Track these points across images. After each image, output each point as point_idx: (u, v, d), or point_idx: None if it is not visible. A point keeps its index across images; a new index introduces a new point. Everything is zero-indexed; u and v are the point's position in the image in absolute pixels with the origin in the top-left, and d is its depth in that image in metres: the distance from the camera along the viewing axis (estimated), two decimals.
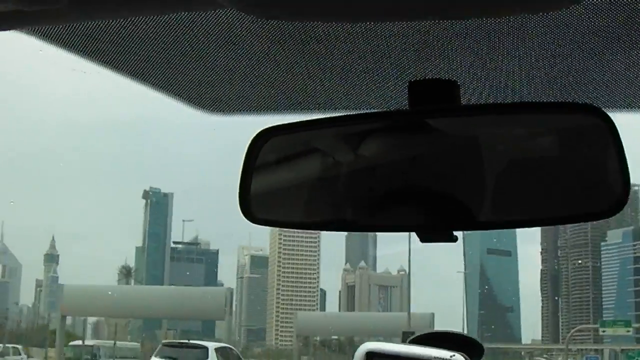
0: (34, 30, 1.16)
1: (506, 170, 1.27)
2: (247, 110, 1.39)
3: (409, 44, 1.21)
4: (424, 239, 1.26)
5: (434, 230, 1.27)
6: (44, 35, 1.20)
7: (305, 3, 0.80)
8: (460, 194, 1.27)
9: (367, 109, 1.43)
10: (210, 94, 1.32)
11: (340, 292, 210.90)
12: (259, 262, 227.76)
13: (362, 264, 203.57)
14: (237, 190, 1.25)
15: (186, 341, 23.28)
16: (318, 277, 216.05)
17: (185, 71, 1.30)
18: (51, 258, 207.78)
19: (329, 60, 1.29)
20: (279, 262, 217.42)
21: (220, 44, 1.24)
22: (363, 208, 1.25)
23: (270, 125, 1.25)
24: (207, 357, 20.26)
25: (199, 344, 22.22)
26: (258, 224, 1.29)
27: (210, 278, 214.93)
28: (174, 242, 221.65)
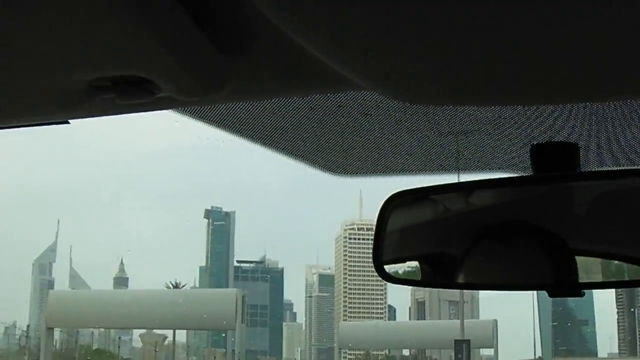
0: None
1: (621, 232, 1.37)
2: (373, 173, 1.51)
3: (531, 108, 1.31)
4: (553, 294, 1.36)
5: (563, 287, 1.37)
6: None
7: (448, 90, 0.91)
8: (581, 253, 1.37)
9: (490, 169, 1.53)
10: (338, 160, 1.45)
11: (410, 308, 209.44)
12: (326, 281, 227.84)
13: None
14: (372, 251, 1.38)
15: None
16: (385, 294, 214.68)
17: (316, 139, 1.43)
18: (121, 281, 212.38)
19: (454, 124, 1.41)
20: (344, 279, 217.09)
21: (352, 116, 1.37)
22: (493, 268, 1.36)
23: (400, 189, 1.38)
24: None
25: None
26: (393, 283, 1.41)
27: (276, 296, 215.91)
28: (238, 261, 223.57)
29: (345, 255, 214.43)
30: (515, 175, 1.50)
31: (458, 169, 1.58)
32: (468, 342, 46.40)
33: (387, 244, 1.37)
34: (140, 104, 0.89)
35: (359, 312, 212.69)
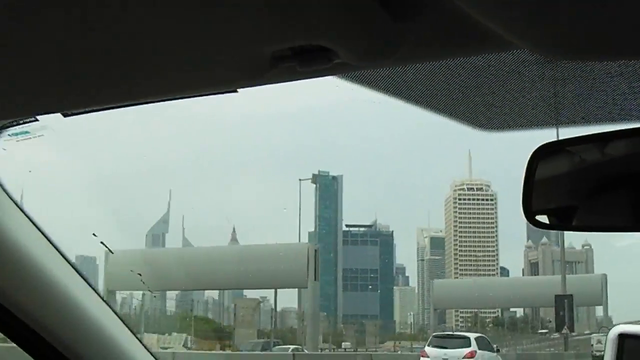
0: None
1: None
2: (520, 127, 1.56)
3: None
4: None
5: None
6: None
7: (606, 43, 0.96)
8: None
9: (626, 120, 1.56)
10: (485, 114, 1.52)
11: (522, 270, 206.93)
12: (438, 243, 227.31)
13: (545, 240, 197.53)
14: (521, 198, 1.45)
15: (451, 333, 30.71)
16: (497, 255, 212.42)
17: (467, 96, 1.50)
18: None
19: (590, 75, 1.44)
20: (455, 242, 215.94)
21: (499, 74, 1.43)
22: (632, 213, 1.42)
23: (547, 141, 1.45)
24: (470, 345, 25.36)
25: (462, 335, 28.46)
26: (542, 228, 1.48)
27: (386, 260, 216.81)
28: (347, 225, 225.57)
29: (456, 216, 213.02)
30: None
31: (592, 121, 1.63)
32: (570, 297, 43.48)
33: (536, 192, 1.45)
34: (319, 70, 0.99)
35: (470, 275, 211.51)
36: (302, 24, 0.80)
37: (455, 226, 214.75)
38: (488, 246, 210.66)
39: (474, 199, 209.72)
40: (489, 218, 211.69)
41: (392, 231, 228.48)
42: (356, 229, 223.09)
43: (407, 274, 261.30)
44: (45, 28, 0.78)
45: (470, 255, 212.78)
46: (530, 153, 1.39)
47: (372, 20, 0.80)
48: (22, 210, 1.04)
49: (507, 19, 0.78)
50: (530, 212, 1.46)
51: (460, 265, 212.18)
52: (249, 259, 43.98)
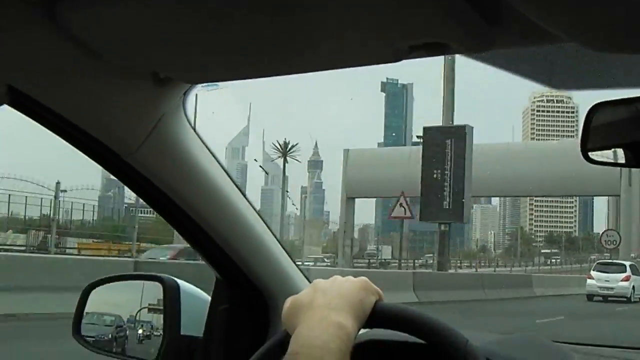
0: None
1: None
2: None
3: None
4: None
5: None
6: None
7: None
8: None
9: None
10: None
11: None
12: None
13: None
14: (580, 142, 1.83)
15: (610, 260, 33.78)
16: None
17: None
18: (315, 164, 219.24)
19: None
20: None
21: None
22: None
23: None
24: (625, 271, 30.47)
25: (620, 262, 32.75)
26: (598, 164, 1.87)
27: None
28: (417, 136, 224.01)
29: (533, 130, 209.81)
30: None
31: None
32: None
33: (592, 137, 1.80)
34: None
35: (547, 200, 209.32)
36: (427, 23, 1.26)
37: (533, 140, 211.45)
38: None
39: (553, 111, 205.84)
40: (569, 132, 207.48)
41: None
42: None
43: None
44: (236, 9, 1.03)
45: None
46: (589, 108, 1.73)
47: (472, 25, 1.26)
48: (201, 139, 1.61)
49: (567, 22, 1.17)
50: (586, 153, 1.82)
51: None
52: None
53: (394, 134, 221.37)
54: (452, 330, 1.17)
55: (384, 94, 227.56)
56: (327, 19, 1.04)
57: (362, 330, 1.16)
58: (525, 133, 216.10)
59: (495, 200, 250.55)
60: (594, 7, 0.90)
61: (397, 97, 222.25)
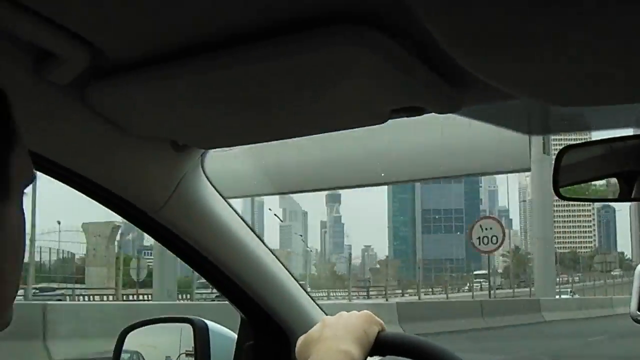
0: None
1: None
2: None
3: None
4: None
5: None
6: None
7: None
8: None
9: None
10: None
11: (630, 207, 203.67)
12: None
13: None
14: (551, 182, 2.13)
15: None
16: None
17: None
18: (333, 198, 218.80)
19: None
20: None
21: None
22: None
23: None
24: None
25: None
26: (571, 200, 2.15)
27: (472, 200, 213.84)
28: None
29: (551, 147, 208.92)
30: None
31: None
32: None
33: (563, 176, 2.06)
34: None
35: (565, 217, 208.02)
36: (404, 91, 1.41)
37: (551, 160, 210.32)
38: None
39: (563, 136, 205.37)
40: None
41: None
42: None
43: (510, 217, 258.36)
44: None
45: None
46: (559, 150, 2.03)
47: (441, 91, 1.25)
48: (219, 193, 1.99)
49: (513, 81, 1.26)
50: (558, 192, 2.09)
51: (559, 203, 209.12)
52: None
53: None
54: (451, 354, 1.35)
55: None
56: (323, 91, 1.26)
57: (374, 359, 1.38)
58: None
59: (515, 224, 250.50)
60: (537, 68, 1.08)
61: None
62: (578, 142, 1.95)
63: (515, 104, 1.55)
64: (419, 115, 1.35)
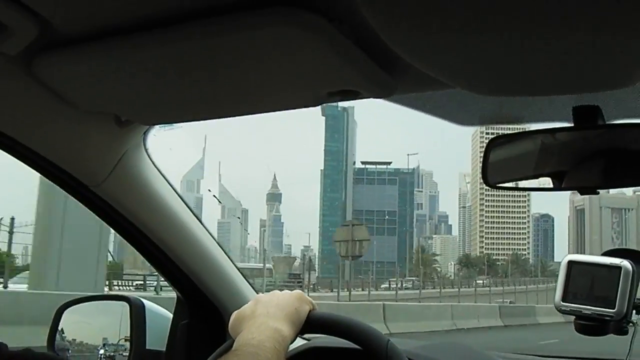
0: None
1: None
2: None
3: None
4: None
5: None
6: None
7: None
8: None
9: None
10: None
11: (568, 217, 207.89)
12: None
13: None
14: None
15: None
16: (528, 204, 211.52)
17: None
18: (273, 197, 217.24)
19: None
20: (481, 184, 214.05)
21: None
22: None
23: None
24: None
25: None
26: (498, 189, 2.28)
27: (405, 202, 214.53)
28: (362, 162, 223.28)
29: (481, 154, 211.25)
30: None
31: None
32: None
33: (491, 169, 2.17)
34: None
35: (498, 224, 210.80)
36: (339, 75, 1.30)
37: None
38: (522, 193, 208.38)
39: (503, 132, 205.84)
40: None
41: (413, 169, 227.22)
42: (373, 166, 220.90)
43: (449, 223, 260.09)
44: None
45: (499, 201, 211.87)
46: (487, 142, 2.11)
47: (376, 76, 1.32)
48: (160, 172, 2.09)
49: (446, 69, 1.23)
50: (488, 181, 2.18)
51: (487, 212, 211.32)
52: None
53: (332, 159, 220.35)
54: (374, 331, 1.45)
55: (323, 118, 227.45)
56: (259, 71, 1.33)
57: (311, 336, 1.47)
58: (474, 154, 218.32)
59: (455, 230, 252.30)
60: (469, 56, 1.15)
61: (337, 120, 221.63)
62: (507, 132, 1.99)
63: (451, 92, 1.64)
64: (354, 99, 1.43)
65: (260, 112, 1.59)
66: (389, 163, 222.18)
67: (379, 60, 1.27)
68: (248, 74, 1.35)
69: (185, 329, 2.05)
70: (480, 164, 1.93)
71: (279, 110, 1.56)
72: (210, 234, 2.02)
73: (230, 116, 1.60)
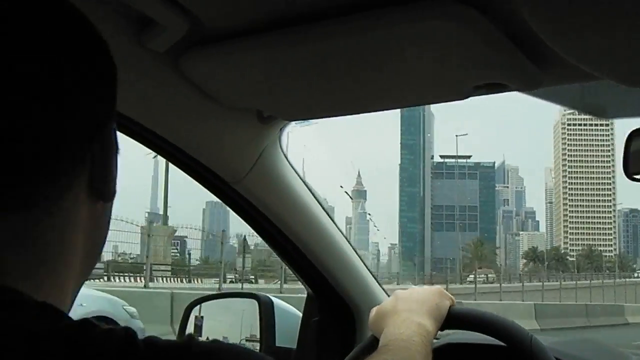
0: None
1: None
2: None
3: None
4: None
5: None
6: None
7: None
8: None
9: None
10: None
11: None
12: None
13: None
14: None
15: None
16: (614, 194, 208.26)
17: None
18: (358, 194, 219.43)
19: None
20: (563, 175, 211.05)
21: None
22: None
23: None
24: None
25: None
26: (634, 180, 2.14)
27: (488, 197, 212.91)
28: (441, 156, 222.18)
29: (564, 145, 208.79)
30: None
31: None
32: None
33: (634, 159, 2.05)
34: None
35: (583, 220, 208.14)
36: (488, 68, 1.29)
37: (564, 157, 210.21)
38: (603, 182, 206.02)
39: (585, 124, 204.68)
40: (603, 144, 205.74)
41: (494, 162, 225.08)
42: (452, 160, 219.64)
43: (537, 219, 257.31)
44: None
45: (582, 190, 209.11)
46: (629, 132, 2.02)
47: (525, 68, 1.30)
48: (294, 169, 2.06)
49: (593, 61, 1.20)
50: (627, 171, 2.09)
51: (570, 202, 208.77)
52: None
53: (409, 153, 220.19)
54: (517, 326, 1.44)
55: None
56: (406, 66, 1.33)
57: (444, 332, 1.46)
58: (556, 147, 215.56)
59: (542, 227, 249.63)
60: (622, 48, 1.13)
61: (412, 113, 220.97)
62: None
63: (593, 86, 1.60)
64: (500, 92, 1.42)
65: (403, 107, 1.58)
66: (469, 157, 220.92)
67: (528, 52, 1.26)
68: (394, 68, 1.35)
69: (316, 326, 2.07)
70: (622, 155, 1.87)
71: (423, 104, 1.56)
72: (342, 232, 2.02)
73: (372, 111, 1.60)
